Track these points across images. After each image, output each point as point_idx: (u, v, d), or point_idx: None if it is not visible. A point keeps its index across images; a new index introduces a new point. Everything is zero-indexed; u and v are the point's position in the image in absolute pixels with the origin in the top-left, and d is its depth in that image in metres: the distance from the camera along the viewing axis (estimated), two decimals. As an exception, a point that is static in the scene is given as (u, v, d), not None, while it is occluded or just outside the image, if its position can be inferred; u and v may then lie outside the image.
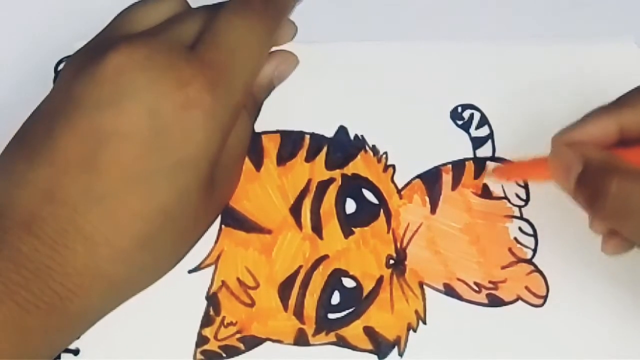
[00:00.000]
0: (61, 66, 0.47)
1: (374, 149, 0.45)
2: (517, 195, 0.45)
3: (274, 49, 0.45)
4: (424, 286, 0.43)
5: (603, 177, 0.38)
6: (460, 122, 0.46)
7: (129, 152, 0.37)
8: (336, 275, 0.43)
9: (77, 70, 0.39)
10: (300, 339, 0.43)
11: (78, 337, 0.41)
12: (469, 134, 0.46)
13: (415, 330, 0.43)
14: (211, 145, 0.39)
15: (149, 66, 0.38)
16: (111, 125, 0.37)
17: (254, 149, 0.45)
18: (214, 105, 0.39)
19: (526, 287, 0.43)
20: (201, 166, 0.39)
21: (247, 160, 0.45)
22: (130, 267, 0.38)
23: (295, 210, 0.44)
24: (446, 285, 0.43)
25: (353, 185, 0.45)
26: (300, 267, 0.44)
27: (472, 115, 0.46)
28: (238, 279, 0.43)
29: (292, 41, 0.46)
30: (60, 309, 0.37)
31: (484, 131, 0.46)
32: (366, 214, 0.44)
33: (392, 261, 0.44)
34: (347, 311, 0.43)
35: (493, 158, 0.45)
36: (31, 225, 0.37)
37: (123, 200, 0.37)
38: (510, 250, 0.44)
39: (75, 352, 0.42)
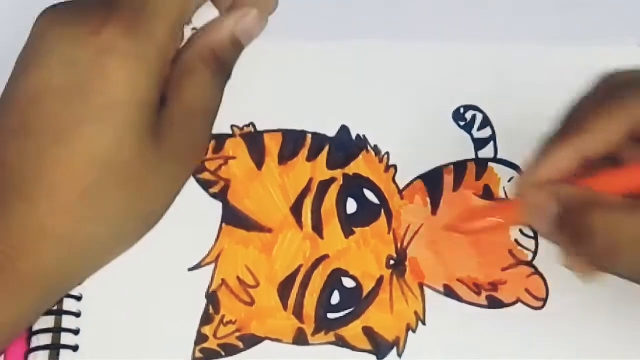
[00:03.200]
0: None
1: (375, 148, 0.45)
2: (518, 197, 0.45)
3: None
4: (424, 287, 0.43)
5: (585, 214, 0.37)
6: (462, 123, 0.46)
7: (53, 106, 0.38)
8: (336, 275, 0.43)
9: None
10: (300, 338, 0.43)
11: (47, 307, 0.40)
12: (471, 135, 0.46)
13: (414, 331, 0.43)
14: (137, 87, 0.38)
15: (64, 20, 0.39)
16: (35, 84, 0.38)
17: (256, 148, 0.45)
18: (131, 46, 0.38)
19: (526, 289, 0.43)
20: (130, 110, 0.38)
21: (248, 158, 0.45)
22: (74, 219, 0.38)
23: (296, 209, 0.44)
24: (446, 286, 0.43)
25: (354, 185, 0.45)
26: (300, 266, 0.44)
27: (474, 117, 0.46)
28: (238, 277, 0.43)
29: (293, 39, 0.46)
30: (9, 269, 0.37)
31: (485, 132, 0.46)
32: (367, 214, 0.44)
33: (392, 261, 0.44)
34: (346, 311, 0.43)
35: (495, 159, 0.45)
36: None
37: (54, 153, 0.37)
38: (510, 252, 0.44)
39: (74, 348, 0.42)
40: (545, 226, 0.38)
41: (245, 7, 0.43)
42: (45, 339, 0.42)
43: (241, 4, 0.44)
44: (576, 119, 0.39)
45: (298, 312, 0.43)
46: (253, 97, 0.46)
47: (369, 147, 0.45)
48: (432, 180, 0.45)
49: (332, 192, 0.45)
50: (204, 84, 0.41)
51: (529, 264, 0.44)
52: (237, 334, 0.42)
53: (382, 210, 0.44)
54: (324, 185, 0.45)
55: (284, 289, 0.43)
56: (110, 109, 0.38)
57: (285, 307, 0.43)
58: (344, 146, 0.46)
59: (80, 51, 0.38)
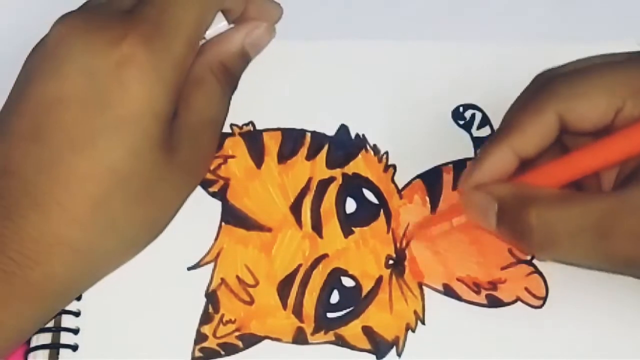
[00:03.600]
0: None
1: (374, 148, 0.45)
2: (518, 196, 0.45)
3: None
4: (423, 286, 0.43)
5: (520, 212, 0.38)
6: (461, 122, 0.46)
7: (70, 116, 0.38)
8: (335, 275, 0.43)
9: (31, 53, 0.41)
10: (299, 338, 0.43)
11: (53, 313, 0.41)
12: (471, 134, 0.46)
13: (414, 331, 0.43)
14: (154, 100, 0.39)
15: (84, 31, 0.39)
16: (52, 92, 0.38)
17: (255, 147, 0.45)
18: (150, 59, 0.38)
19: (526, 288, 0.43)
20: (146, 122, 0.39)
21: (248, 157, 0.45)
22: (86, 230, 0.38)
23: (296, 209, 0.44)
24: (445, 286, 0.43)
25: (353, 185, 0.45)
26: (300, 265, 0.43)
27: (473, 116, 0.46)
28: (237, 276, 0.43)
29: (293, 39, 0.46)
30: (21, 278, 0.37)
31: (485, 131, 0.46)
32: (366, 214, 0.44)
33: (391, 261, 0.44)
34: (346, 310, 0.43)
35: (494, 158, 0.45)
36: None
37: (71, 163, 0.38)
38: (510, 251, 0.44)
39: (74, 347, 0.42)
40: (488, 225, 0.40)
41: (255, 20, 0.44)
42: (45, 338, 0.42)
43: (250, 16, 0.44)
44: (510, 120, 0.40)
45: (298, 312, 0.43)
46: (252, 96, 0.46)
47: (368, 147, 0.45)
48: (431, 180, 0.45)
49: (332, 191, 0.45)
50: (213, 95, 0.42)
51: (529, 262, 0.44)
52: (237, 333, 0.42)
53: (382, 210, 0.44)
54: (324, 185, 0.45)
55: (283, 289, 0.43)
56: (128, 121, 0.38)
57: (284, 306, 0.43)
58: (344, 145, 0.45)
59: (100, 62, 0.38)
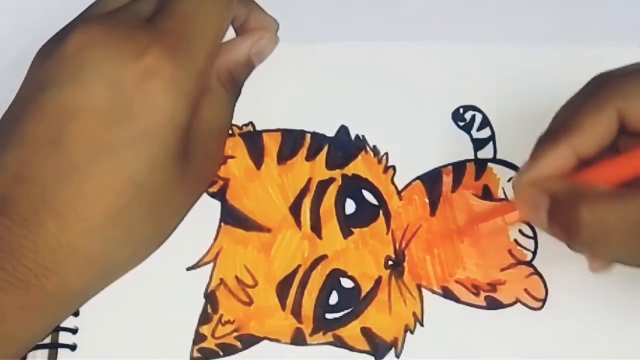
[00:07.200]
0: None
1: (374, 149, 0.45)
2: (518, 198, 0.45)
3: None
4: (422, 288, 0.43)
5: (572, 206, 0.37)
6: (461, 124, 0.46)
7: (92, 126, 0.37)
8: (334, 275, 0.43)
9: (43, 55, 0.40)
10: (298, 339, 0.43)
11: (62, 320, 0.41)
12: (470, 135, 0.46)
13: (412, 332, 0.43)
14: (177, 113, 0.39)
15: (107, 40, 0.38)
16: (73, 101, 0.38)
17: (255, 147, 0.45)
18: (174, 71, 0.38)
19: (525, 290, 0.43)
20: (168, 134, 0.38)
21: (247, 158, 0.45)
22: (104, 241, 0.38)
23: (295, 209, 0.44)
24: (444, 288, 0.43)
25: (353, 186, 0.45)
26: (299, 266, 0.44)
27: (473, 117, 0.46)
28: (236, 277, 0.43)
29: (293, 41, 0.46)
30: (37, 287, 0.37)
31: (485, 133, 0.46)
32: (365, 215, 0.44)
33: (390, 262, 0.44)
34: (344, 311, 0.43)
35: (494, 160, 0.45)
36: (3, 207, 0.37)
37: (91, 173, 0.37)
38: (509, 252, 0.44)
39: (73, 347, 0.42)
40: (539, 221, 0.39)
41: (260, 29, 0.44)
42: (43, 338, 0.42)
43: (251, 26, 0.44)
44: (568, 118, 0.39)
45: (296, 312, 0.43)
46: (252, 96, 0.46)
47: (368, 148, 0.45)
48: (431, 181, 0.45)
49: (331, 192, 0.45)
50: (222, 105, 0.42)
51: (529, 264, 0.44)
52: (236, 333, 0.43)
53: (381, 211, 0.44)
54: (323, 186, 0.45)
55: (282, 289, 0.43)
56: (150, 133, 0.38)
57: (283, 307, 0.43)
58: (343, 146, 0.45)
59: (125, 73, 0.38)
